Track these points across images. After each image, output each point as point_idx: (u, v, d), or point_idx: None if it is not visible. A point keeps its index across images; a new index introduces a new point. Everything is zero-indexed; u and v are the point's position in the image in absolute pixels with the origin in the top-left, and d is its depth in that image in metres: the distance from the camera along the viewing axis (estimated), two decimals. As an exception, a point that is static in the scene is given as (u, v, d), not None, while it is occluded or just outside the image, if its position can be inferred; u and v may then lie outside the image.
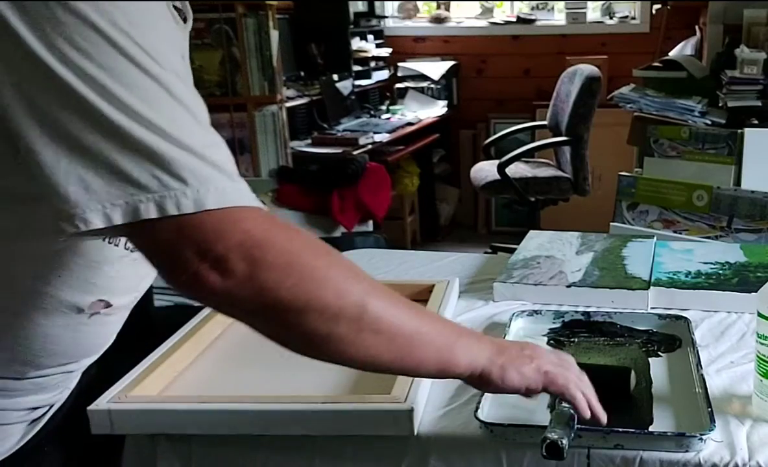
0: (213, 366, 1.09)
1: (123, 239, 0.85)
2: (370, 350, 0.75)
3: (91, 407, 0.91)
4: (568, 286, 1.25)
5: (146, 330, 1.17)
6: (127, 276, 0.89)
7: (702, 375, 0.94)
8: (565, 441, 0.79)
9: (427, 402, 0.95)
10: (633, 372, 0.95)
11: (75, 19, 0.63)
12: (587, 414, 0.83)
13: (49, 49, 0.62)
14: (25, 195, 0.74)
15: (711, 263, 1.34)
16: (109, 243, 0.84)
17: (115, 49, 0.64)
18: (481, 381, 0.82)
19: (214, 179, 0.67)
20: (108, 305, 0.88)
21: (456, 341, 0.81)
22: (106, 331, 0.92)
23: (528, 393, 0.84)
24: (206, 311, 1.21)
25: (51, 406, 0.93)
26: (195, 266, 0.67)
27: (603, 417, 0.84)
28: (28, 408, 0.89)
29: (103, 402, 0.92)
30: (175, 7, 0.85)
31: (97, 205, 0.64)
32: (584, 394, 0.84)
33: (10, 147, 0.67)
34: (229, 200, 0.68)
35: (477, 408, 0.89)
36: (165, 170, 0.65)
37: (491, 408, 0.92)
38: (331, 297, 0.72)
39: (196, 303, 1.38)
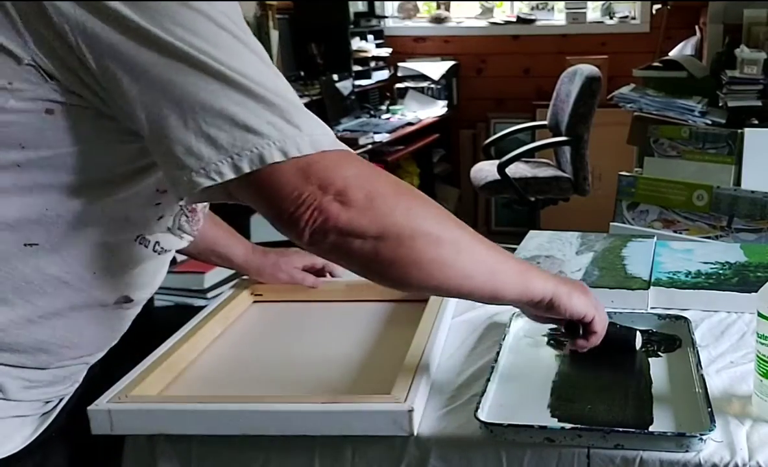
0: (213, 366, 1.09)
1: (153, 241, 0.90)
2: (466, 270, 0.84)
3: (91, 407, 0.91)
4: (568, 286, 1.25)
5: (146, 330, 1.18)
6: (147, 274, 0.93)
7: (702, 375, 0.94)
8: (579, 326, 0.96)
9: (427, 402, 0.95)
10: (639, 333, 1.06)
11: (179, 5, 0.70)
12: (587, 348, 0.98)
13: (163, 31, 0.70)
14: (134, 172, 0.81)
15: (711, 263, 1.34)
16: (140, 244, 0.89)
17: (213, 22, 0.71)
18: (551, 306, 0.93)
19: (321, 126, 0.76)
20: (129, 300, 0.91)
21: (530, 269, 0.94)
22: (121, 325, 0.95)
23: (583, 320, 0.95)
24: (206, 311, 1.21)
25: (61, 399, 0.95)
26: (319, 200, 0.74)
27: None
28: (43, 400, 0.91)
29: (103, 402, 0.92)
30: None
31: (226, 157, 0.71)
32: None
33: (116, 133, 0.76)
34: (339, 144, 0.77)
35: (477, 408, 0.89)
36: (281, 118, 0.73)
37: (491, 408, 0.92)
38: (434, 223, 0.81)
39: (197, 303, 1.39)
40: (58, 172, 0.78)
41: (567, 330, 0.99)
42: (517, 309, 1.17)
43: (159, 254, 0.92)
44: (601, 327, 0.97)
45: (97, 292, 0.86)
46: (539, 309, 0.94)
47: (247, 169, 0.72)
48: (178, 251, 1.03)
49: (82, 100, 0.74)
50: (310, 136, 0.74)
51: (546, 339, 1.11)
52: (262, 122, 0.72)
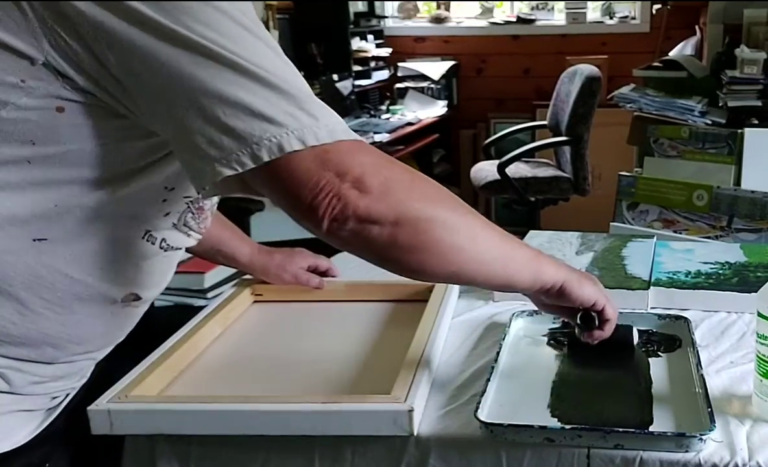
0: (213, 366, 1.09)
1: (159, 238, 0.91)
2: (483, 256, 0.85)
3: (91, 407, 0.91)
4: (568, 286, 1.25)
5: (146, 330, 1.18)
6: (156, 272, 0.94)
7: (702, 375, 0.94)
8: (594, 315, 0.96)
9: (427, 402, 0.95)
10: (635, 329, 1.07)
11: (196, 3, 0.71)
12: (602, 338, 0.99)
13: (181, 26, 0.71)
14: (142, 168, 0.82)
15: (711, 263, 1.34)
16: (147, 241, 0.89)
17: (228, 16, 0.72)
18: (561, 292, 0.93)
19: (335, 117, 0.77)
20: (138, 298, 0.92)
21: (540, 256, 0.94)
22: (129, 322, 0.96)
23: (592, 308, 0.96)
24: (206, 311, 1.21)
25: (67, 395, 0.96)
26: (337, 187, 0.74)
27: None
28: (50, 395, 0.92)
29: (103, 402, 0.92)
30: None
31: (246, 146, 0.72)
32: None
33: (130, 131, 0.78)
34: (353, 134, 0.78)
35: (477, 408, 0.89)
36: (297, 107, 0.74)
37: (491, 408, 0.92)
38: (450, 210, 0.82)
39: (197, 303, 1.39)
40: (67, 168, 0.78)
41: (582, 320, 0.98)
42: (517, 310, 1.18)
43: (166, 251, 0.93)
44: (613, 315, 0.98)
45: (105, 288, 0.87)
46: (550, 296, 0.95)
47: (266, 158, 0.72)
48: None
49: (94, 98, 0.75)
50: (326, 125, 0.75)
51: (546, 339, 1.11)
52: (280, 112, 0.73)
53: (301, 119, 0.73)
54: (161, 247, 0.92)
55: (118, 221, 0.85)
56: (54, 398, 0.93)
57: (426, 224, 0.79)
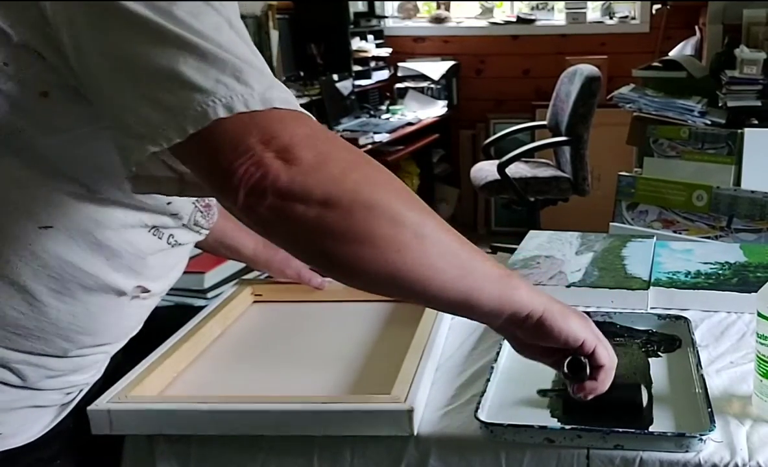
0: (213, 366, 1.09)
1: (167, 233, 0.90)
2: (432, 260, 0.71)
3: (91, 407, 0.91)
4: (568, 286, 1.25)
5: (146, 330, 1.18)
6: (164, 265, 0.93)
7: (702, 375, 0.94)
8: (585, 361, 0.78)
9: (427, 402, 0.95)
10: (643, 388, 0.91)
11: None
12: (598, 392, 0.82)
13: None
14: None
15: (711, 263, 1.34)
16: (154, 235, 0.89)
17: None
18: (540, 325, 0.78)
19: (278, 88, 0.68)
20: (146, 291, 0.92)
21: (513, 277, 0.79)
22: (141, 315, 0.95)
23: (581, 350, 0.80)
24: (206, 311, 1.21)
25: (81, 390, 0.96)
26: (258, 154, 0.65)
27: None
28: (64, 390, 0.92)
29: (102, 402, 0.92)
30: None
31: (173, 119, 0.65)
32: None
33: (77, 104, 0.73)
34: (296, 106, 0.69)
35: (477, 409, 0.89)
36: (231, 76, 0.66)
37: (491, 408, 0.92)
38: (396, 200, 0.69)
39: (197, 303, 1.39)
40: (64, 156, 0.78)
41: (570, 368, 0.80)
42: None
43: (173, 247, 0.92)
44: (608, 361, 0.82)
45: (113, 279, 0.86)
46: (526, 330, 0.78)
47: (191, 130, 0.65)
48: None
49: (68, 79, 0.73)
50: (261, 94, 0.66)
51: (546, 339, 1.11)
52: (210, 80, 0.65)
53: (234, 87, 0.66)
54: (168, 242, 0.91)
55: (124, 215, 0.85)
56: (68, 394, 0.93)
57: (362, 210, 0.67)
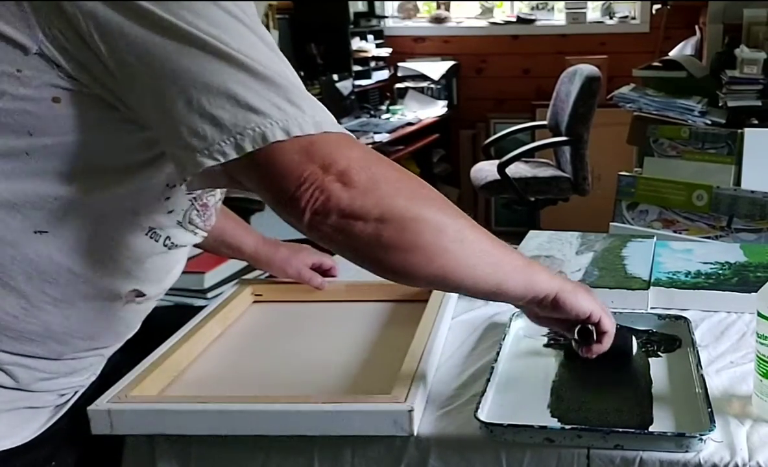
0: (213, 366, 1.09)
1: (164, 235, 0.90)
2: (470, 260, 0.82)
3: (91, 407, 0.91)
4: (568, 286, 1.25)
5: (146, 330, 1.18)
6: (159, 269, 0.94)
7: (702, 375, 0.94)
8: (593, 328, 0.93)
9: (427, 402, 0.95)
10: (635, 338, 1.03)
11: None
12: (600, 352, 0.95)
13: (170, 14, 0.70)
14: (140, 163, 0.82)
15: (711, 263, 1.34)
16: (151, 238, 0.89)
17: (219, 7, 0.72)
18: (555, 303, 0.90)
19: (324, 110, 0.76)
20: (141, 294, 0.92)
21: (533, 264, 0.92)
22: (137, 319, 0.96)
23: (588, 320, 0.92)
24: (206, 311, 1.21)
25: (76, 392, 0.96)
26: (320, 179, 0.73)
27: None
28: (58, 392, 0.92)
29: (103, 402, 0.92)
30: None
31: (229, 136, 0.71)
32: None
33: (124, 127, 0.77)
34: (341, 128, 0.77)
35: (477, 409, 0.89)
36: (284, 99, 0.72)
37: (491, 408, 0.92)
38: (437, 210, 0.80)
39: (197, 303, 1.39)
40: (65, 160, 0.78)
41: (580, 335, 0.94)
42: (518, 310, 1.17)
43: (170, 249, 0.93)
44: (611, 327, 0.95)
45: (107, 284, 0.87)
46: (543, 307, 0.91)
47: (249, 148, 0.71)
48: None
49: (87, 88, 0.75)
50: (312, 116, 0.73)
51: (546, 339, 1.11)
52: (265, 102, 0.72)
53: (287, 110, 0.72)
54: (165, 245, 0.91)
55: (120, 217, 0.85)
56: (62, 395, 0.93)
57: (412, 223, 0.77)
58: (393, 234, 0.76)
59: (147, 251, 0.90)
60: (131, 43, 0.71)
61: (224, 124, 0.71)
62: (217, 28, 0.71)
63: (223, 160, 0.71)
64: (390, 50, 4.78)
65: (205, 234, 1.00)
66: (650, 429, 0.86)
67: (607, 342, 0.95)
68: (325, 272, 1.31)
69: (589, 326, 0.93)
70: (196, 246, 1.21)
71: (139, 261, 0.89)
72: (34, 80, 0.74)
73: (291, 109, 0.72)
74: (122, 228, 0.85)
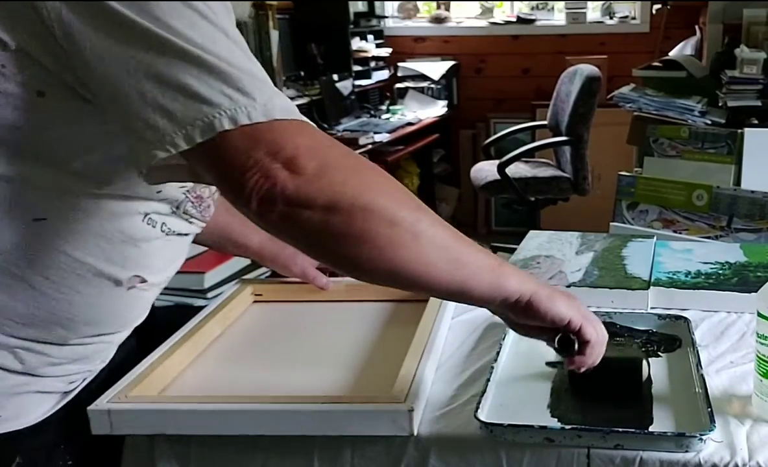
0: (213, 366, 1.09)
1: (160, 221, 0.91)
2: (428, 257, 0.78)
3: (91, 407, 0.91)
4: (568, 286, 1.25)
5: (146, 330, 1.18)
6: (160, 256, 0.94)
7: (702, 375, 0.94)
8: (574, 337, 0.86)
9: (427, 402, 0.95)
10: (645, 362, 0.95)
11: None
12: (586, 365, 0.88)
13: (125, 7, 0.71)
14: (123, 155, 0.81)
15: (711, 263, 1.34)
16: (147, 224, 0.90)
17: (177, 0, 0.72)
18: (528, 307, 0.84)
19: (278, 97, 0.74)
20: (144, 281, 0.93)
21: (504, 265, 0.85)
22: (141, 305, 0.96)
23: (568, 328, 0.86)
24: (206, 311, 1.21)
25: (85, 379, 0.97)
26: (267, 165, 0.71)
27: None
28: (67, 379, 0.93)
29: (103, 402, 0.92)
30: None
31: (180, 128, 0.71)
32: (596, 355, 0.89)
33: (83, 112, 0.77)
34: (296, 115, 0.75)
35: (477, 409, 0.89)
36: (235, 88, 0.72)
37: (491, 408, 0.92)
38: (392, 202, 0.76)
39: (197, 303, 1.39)
40: (58, 153, 0.80)
41: (560, 344, 0.87)
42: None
43: (167, 235, 0.93)
44: (595, 338, 0.88)
45: (108, 269, 0.88)
46: (516, 312, 0.85)
47: (198, 139, 0.71)
48: (194, 241, 1.04)
49: (65, 81, 0.76)
50: (264, 105, 0.72)
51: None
52: (216, 92, 0.71)
53: (237, 99, 0.72)
54: (163, 231, 0.92)
55: (116, 205, 0.86)
56: (71, 382, 0.94)
57: (361, 212, 0.74)
58: (342, 224, 0.74)
59: (145, 236, 0.90)
60: (87, 38, 0.71)
61: (176, 115, 0.71)
62: (171, 17, 0.71)
63: (174, 151, 0.72)
64: (390, 50, 4.78)
65: (203, 224, 1.00)
66: (650, 429, 0.86)
67: (593, 354, 0.88)
68: (331, 272, 1.31)
69: (571, 335, 0.87)
70: (201, 244, 1.21)
71: (137, 246, 0.90)
72: (19, 76, 0.76)
73: (242, 99, 0.72)
74: (118, 213, 0.87)
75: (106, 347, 0.96)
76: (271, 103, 0.73)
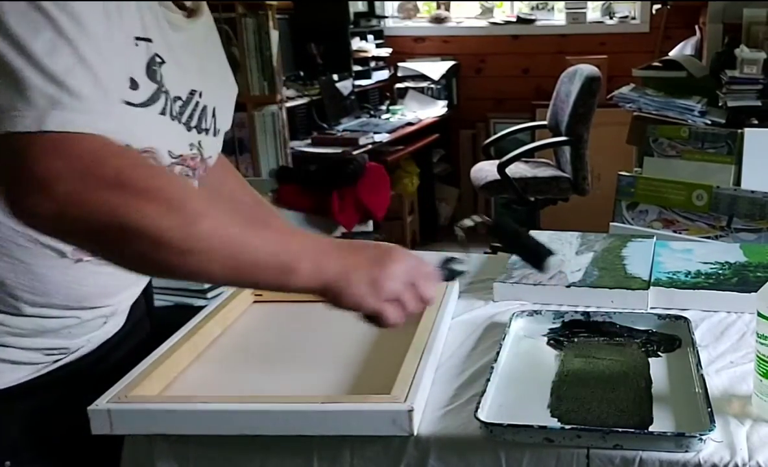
0: (213, 366, 1.09)
1: None
2: (201, 265, 0.77)
3: (91, 407, 0.91)
4: (568, 286, 1.25)
5: (146, 330, 1.18)
6: None
7: (702, 375, 0.94)
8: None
9: (427, 402, 0.95)
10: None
11: None
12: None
13: None
14: None
15: (711, 263, 1.34)
16: None
17: None
18: (331, 299, 0.84)
19: (65, 105, 0.72)
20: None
21: (296, 259, 0.82)
22: (93, 281, 0.95)
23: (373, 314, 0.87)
24: (206, 311, 1.21)
25: (68, 353, 0.98)
26: (25, 183, 0.71)
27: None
28: (41, 350, 0.94)
29: (102, 402, 0.92)
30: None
31: None
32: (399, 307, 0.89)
33: None
34: (74, 125, 0.72)
35: (477, 408, 0.89)
36: (17, 92, 0.70)
37: (491, 408, 0.92)
38: (160, 215, 0.74)
39: (197, 303, 1.39)
40: None
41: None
42: (518, 310, 1.17)
43: None
44: (397, 317, 0.88)
45: (48, 239, 0.87)
46: (326, 300, 0.85)
47: None
48: None
49: None
50: (41, 114, 0.71)
51: (546, 339, 1.11)
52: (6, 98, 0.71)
53: (15, 105, 0.71)
54: None
55: None
56: (48, 354, 0.96)
57: (121, 233, 0.74)
58: (104, 246, 0.76)
59: None
60: None
61: None
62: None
63: None
64: (390, 50, 4.78)
65: None
66: (650, 429, 0.86)
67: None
68: None
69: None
70: None
71: None
72: None
73: (20, 104, 0.71)
74: None
75: (76, 323, 0.96)
76: (50, 112, 0.71)
